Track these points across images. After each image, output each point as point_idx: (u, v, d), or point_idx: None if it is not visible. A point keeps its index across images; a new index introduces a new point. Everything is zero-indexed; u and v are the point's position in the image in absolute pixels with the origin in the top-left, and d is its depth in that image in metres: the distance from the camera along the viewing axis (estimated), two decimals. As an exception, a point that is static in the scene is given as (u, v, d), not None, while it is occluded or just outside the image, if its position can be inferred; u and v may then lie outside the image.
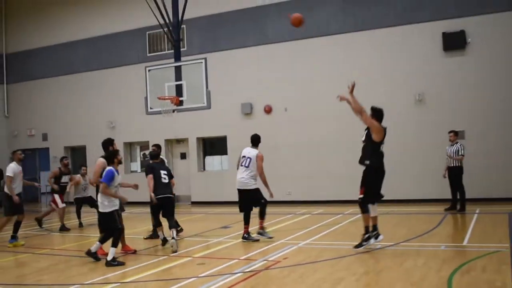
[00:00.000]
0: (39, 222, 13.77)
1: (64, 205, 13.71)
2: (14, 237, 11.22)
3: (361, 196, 8.64)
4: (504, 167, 15.06)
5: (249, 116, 18.28)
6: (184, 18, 15.42)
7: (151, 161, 10.70)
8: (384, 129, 8.89)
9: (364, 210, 8.60)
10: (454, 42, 15.61)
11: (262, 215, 10.30)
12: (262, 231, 10.31)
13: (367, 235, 8.50)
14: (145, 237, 11.33)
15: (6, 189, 11.14)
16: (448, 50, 15.70)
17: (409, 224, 11.88)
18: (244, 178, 10.25)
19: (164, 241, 10.07)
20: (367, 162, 8.59)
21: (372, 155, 8.69)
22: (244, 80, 18.44)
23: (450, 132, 13.68)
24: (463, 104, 15.53)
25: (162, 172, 10.25)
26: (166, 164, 11.35)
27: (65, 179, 13.97)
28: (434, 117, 15.81)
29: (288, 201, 16.94)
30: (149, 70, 14.32)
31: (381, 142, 8.84)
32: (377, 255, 8.42)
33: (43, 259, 9.69)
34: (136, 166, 21.68)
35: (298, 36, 17.47)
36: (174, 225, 10.01)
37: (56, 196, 13.69)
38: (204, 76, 13.52)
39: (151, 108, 14.21)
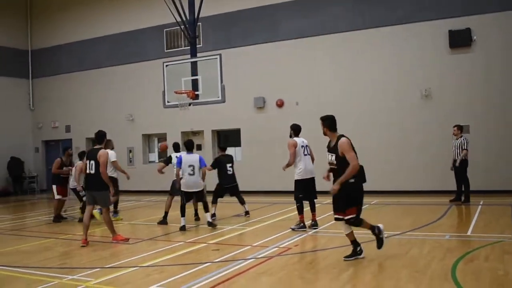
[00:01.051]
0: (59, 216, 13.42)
1: (59, 197, 13.33)
2: (116, 212, 13.21)
3: (353, 216, 7.38)
4: (508, 160, 15.25)
5: (261, 110, 18.67)
6: (200, 16, 15.71)
7: (219, 154, 12.73)
8: (349, 140, 7.71)
9: (358, 224, 7.50)
10: (460, 40, 15.76)
11: (315, 207, 10.63)
12: (315, 223, 10.50)
13: (359, 248, 7.60)
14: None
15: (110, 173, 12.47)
16: (454, 48, 15.87)
17: (414, 215, 12.02)
18: (312, 166, 10.59)
19: (213, 216, 12.00)
20: (352, 180, 7.37)
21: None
22: (257, 75, 18.78)
23: (454, 126, 13.86)
24: (468, 99, 15.72)
25: (228, 165, 12.31)
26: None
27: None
28: (440, 111, 16.03)
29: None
30: (166, 66, 14.69)
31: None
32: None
33: (66, 244, 10.14)
34: (154, 156, 22.24)
35: (308, 33, 17.89)
36: (243, 200, 12.63)
37: (54, 187, 13.42)
38: (219, 72, 13.80)
39: (168, 102, 14.56)
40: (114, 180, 12.44)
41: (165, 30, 20.65)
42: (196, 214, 12.66)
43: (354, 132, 16.77)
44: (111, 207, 11.88)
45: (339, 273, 6.78)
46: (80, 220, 12.78)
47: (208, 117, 19.18)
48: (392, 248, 8.18)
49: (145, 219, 13.46)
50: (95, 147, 9.99)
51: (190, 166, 10.98)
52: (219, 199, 12.59)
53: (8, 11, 24.10)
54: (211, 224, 11.12)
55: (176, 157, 11.79)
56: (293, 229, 10.22)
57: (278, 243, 8.95)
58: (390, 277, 6.54)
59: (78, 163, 13.20)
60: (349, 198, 7.39)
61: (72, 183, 13.47)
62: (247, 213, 12.63)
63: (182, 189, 11.10)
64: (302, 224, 10.29)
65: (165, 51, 20.57)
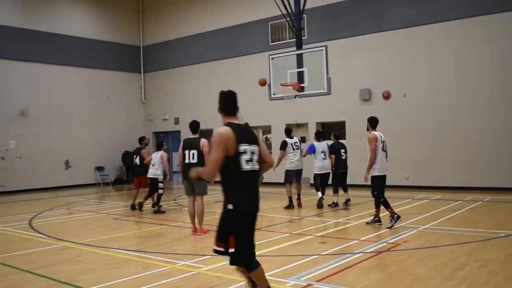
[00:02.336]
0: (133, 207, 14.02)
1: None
2: None
3: (232, 250, 4.83)
4: None
5: (367, 102, 18.25)
6: (305, 8, 15.73)
7: (333, 141, 13.59)
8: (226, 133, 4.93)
9: (251, 267, 4.97)
10: None
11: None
12: (379, 219, 10.22)
13: None
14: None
15: None
16: None
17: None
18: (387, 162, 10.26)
19: (334, 204, 13.18)
20: (230, 206, 4.85)
21: (235, 189, 4.91)
22: (363, 66, 18.37)
23: None
24: None
25: (342, 150, 13.28)
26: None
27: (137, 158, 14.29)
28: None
29: (406, 186, 16.91)
30: (272, 58, 14.87)
31: (238, 153, 4.91)
32: (500, 243, 8.21)
33: (177, 230, 10.58)
34: (258, 149, 22.55)
35: (415, 23, 17.19)
36: (347, 188, 13.45)
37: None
38: (324, 63, 13.76)
39: (274, 94, 14.73)
40: None
41: (270, 23, 20.77)
42: (299, 198, 13.58)
43: (465, 126, 16.20)
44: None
45: (453, 271, 6.51)
46: (157, 211, 13.39)
47: (312, 109, 19.09)
48: (510, 248, 7.78)
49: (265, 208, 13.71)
50: (192, 137, 10.06)
51: (322, 152, 13.13)
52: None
53: (123, 10, 25.65)
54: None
55: (292, 144, 13.34)
56: (391, 228, 9.72)
57: (386, 238, 8.79)
58: (509, 278, 6.19)
59: (162, 153, 13.71)
60: (224, 225, 4.96)
61: (154, 172, 13.64)
62: (348, 200, 13.31)
63: (315, 172, 13.23)
64: (395, 215, 9.83)
65: (270, 44, 20.71)
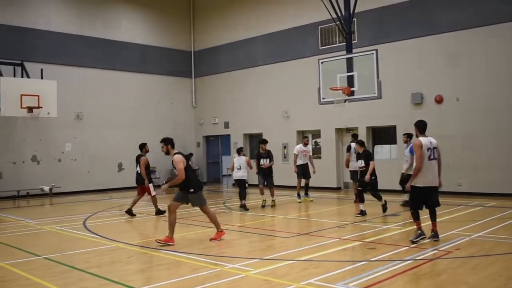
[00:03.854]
0: (130, 212, 13.76)
1: (155, 193, 14.04)
2: (300, 195, 16.04)
3: None
4: None
5: (419, 106, 17.87)
6: (355, 11, 15.60)
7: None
8: None
9: None
10: None
11: (436, 216, 9.29)
12: (436, 234, 9.10)
13: None
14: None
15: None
16: None
17: None
18: (436, 173, 9.03)
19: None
20: None
21: None
22: (414, 70, 18.00)
23: None
24: None
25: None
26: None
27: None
28: None
29: (459, 192, 16.46)
30: (322, 62, 14.86)
31: None
32: (559, 253, 7.90)
33: (226, 233, 10.55)
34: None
35: (468, 25, 16.69)
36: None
37: (151, 185, 13.90)
38: (375, 67, 13.68)
39: (323, 98, 14.74)
40: (301, 167, 15.83)
41: (319, 27, 20.68)
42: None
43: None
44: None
45: (507, 281, 6.32)
46: (245, 209, 14.27)
47: (362, 114, 18.88)
48: None
49: (299, 214, 13.71)
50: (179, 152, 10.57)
51: (405, 156, 13.32)
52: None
53: (175, 16, 26.17)
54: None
55: (354, 148, 14.03)
56: (412, 241, 8.90)
57: (437, 246, 8.59)
58: None
59: (246, 158, 14.66)
60: None
61: (241, 174, 14.42)
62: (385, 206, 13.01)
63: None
64: (420, 231, 9.04)
65: (320, 48, 20.61)
